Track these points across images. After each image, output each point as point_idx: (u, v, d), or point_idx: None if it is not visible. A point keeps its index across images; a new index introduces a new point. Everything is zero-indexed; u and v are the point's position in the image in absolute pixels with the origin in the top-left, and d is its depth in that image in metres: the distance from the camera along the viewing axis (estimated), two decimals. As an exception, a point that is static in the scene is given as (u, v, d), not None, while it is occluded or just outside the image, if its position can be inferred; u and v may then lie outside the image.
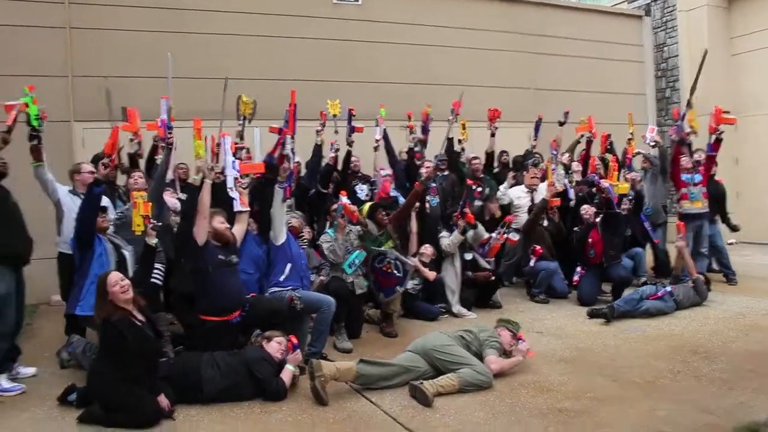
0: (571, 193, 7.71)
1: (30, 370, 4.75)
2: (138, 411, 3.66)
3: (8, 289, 4.48)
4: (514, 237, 7.11)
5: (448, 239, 6.49)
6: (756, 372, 4.36)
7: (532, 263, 7.06)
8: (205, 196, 4.53)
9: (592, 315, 6.10)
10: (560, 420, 3.65)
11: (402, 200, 6.87)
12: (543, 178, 7.46)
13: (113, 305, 3.75)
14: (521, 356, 4.54)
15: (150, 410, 3.68)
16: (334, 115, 7.09)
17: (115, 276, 3.85)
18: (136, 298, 3.90)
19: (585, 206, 7.05)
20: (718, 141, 7.39)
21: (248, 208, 4.93)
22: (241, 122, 6.27)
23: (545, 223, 7.27)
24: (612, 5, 13.34)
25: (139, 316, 3.87)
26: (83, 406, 3.87)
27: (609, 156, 8.08)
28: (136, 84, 7.64)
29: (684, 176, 7.39)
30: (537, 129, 8.55)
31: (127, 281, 3.86)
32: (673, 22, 12.06)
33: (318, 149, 7.02)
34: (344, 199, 5.70)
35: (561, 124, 8.32)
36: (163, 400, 3.77)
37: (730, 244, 11.10)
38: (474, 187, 6.96)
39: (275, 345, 4.27)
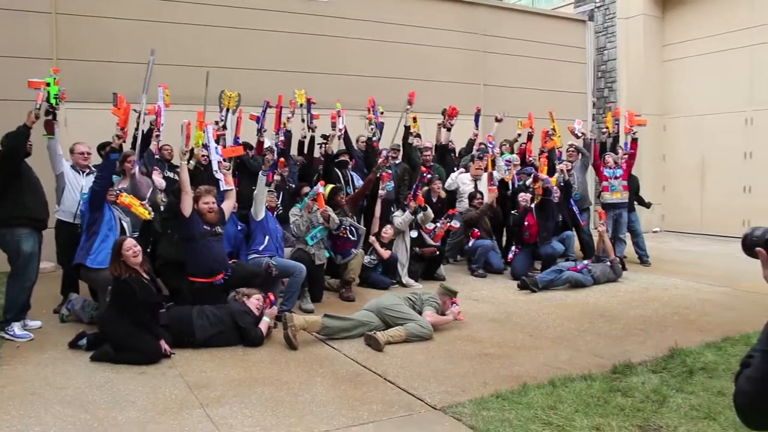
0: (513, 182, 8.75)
1: (36, 323, 5.48)
2: (143, 351, 4.47)
3: (33, 248, 5.22)
4: (456, 224, 8.04)
5: (400, 218, 7.38)
6: (644, 331, 5.43)
7: (470, 244, 8.06)
8: (183, 176, 5.40)
9: (521, 286, 7.08)
10: (484, 361, 4.61)
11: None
12: (486, 168, 8.41)
13: (126, 266, 4.53)
14: (452, 316, 5.48)
15: (153, 350, 4.49)
16: (301, 105, 7.89)
17: (129, 242, 4.62)
18: (143, 261, 4.69)
19: (522, 194, 8.05)
20: (634, 140, 8.51)
21: (232, 187, 5.73)
22: (224, 114, 6.97)
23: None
24: (554, 8, 14.35)
25: (145, 275, 4.66)
26: (92, 349, 4.63)
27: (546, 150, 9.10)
28: (119, 68, 8.31)
29: (606, 171, 8.46)
30: (476, 120, 9.36)
31: (138, 247, 4.63)
32: (613, 28, 13.14)
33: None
34: (321, 189, 6.50)
35: (497, 120, 9.24)
36: (164, 344, 4.57)
37: (655, 231, 12.40)
38: (424, 174, 7.88)
39: (254, 301, 5.12)
